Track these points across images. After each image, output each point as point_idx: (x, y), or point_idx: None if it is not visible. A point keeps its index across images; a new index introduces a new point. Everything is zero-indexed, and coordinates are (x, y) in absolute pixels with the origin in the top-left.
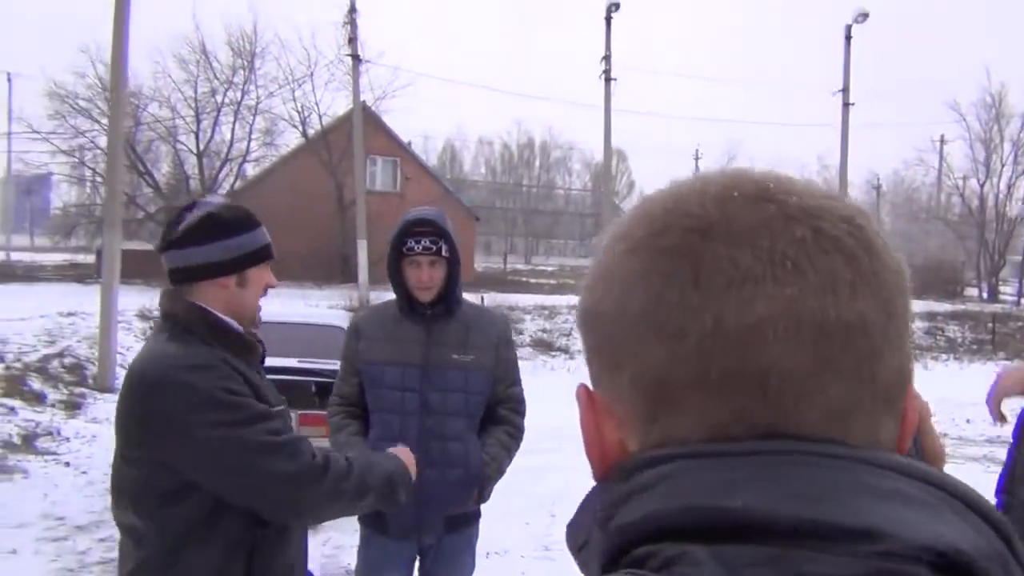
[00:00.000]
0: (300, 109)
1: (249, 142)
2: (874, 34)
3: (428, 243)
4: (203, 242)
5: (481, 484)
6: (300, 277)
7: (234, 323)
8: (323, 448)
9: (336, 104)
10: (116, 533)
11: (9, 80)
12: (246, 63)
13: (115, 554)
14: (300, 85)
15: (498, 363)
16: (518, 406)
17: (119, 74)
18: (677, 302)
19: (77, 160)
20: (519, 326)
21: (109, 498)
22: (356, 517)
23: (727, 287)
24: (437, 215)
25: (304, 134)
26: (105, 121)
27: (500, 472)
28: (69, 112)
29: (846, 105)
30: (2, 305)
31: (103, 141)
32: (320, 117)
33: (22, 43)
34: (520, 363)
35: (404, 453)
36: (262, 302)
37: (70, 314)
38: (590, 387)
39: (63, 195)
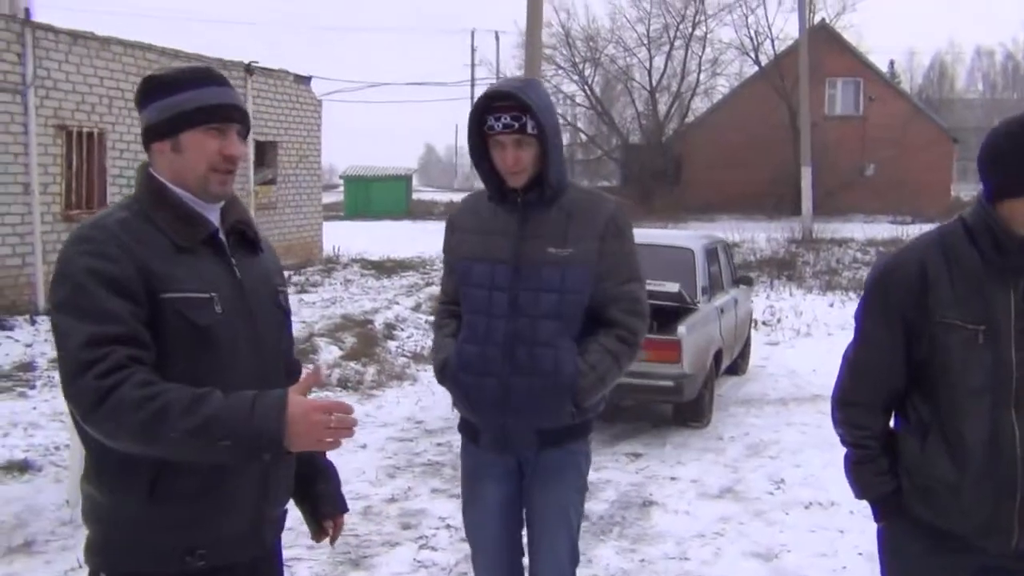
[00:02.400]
0: (752, 35)
1: (699, 74)
2: None
3: (509, 120)
4: (142, 105)
5: (576, 395)
6: (751, 209)
7: (181, 192)
8: (138, 377)
9: (789, 26)
10: (455, 438)
11: (497, 38)
12: None
13: (443, 457)
14: (753, 11)
15: (603, 256)
16: (634, 305)
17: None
18: None
19: None
20: None
21: None
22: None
23: None
24: (520, 86)
25: (757, 61)
26: (569, 68)
27: (602, 382)
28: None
29: None
30: None
31: (566, 87)
32: (772, 42)
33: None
34: None
35: (297, 400)
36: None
37: None
38: None
39: None
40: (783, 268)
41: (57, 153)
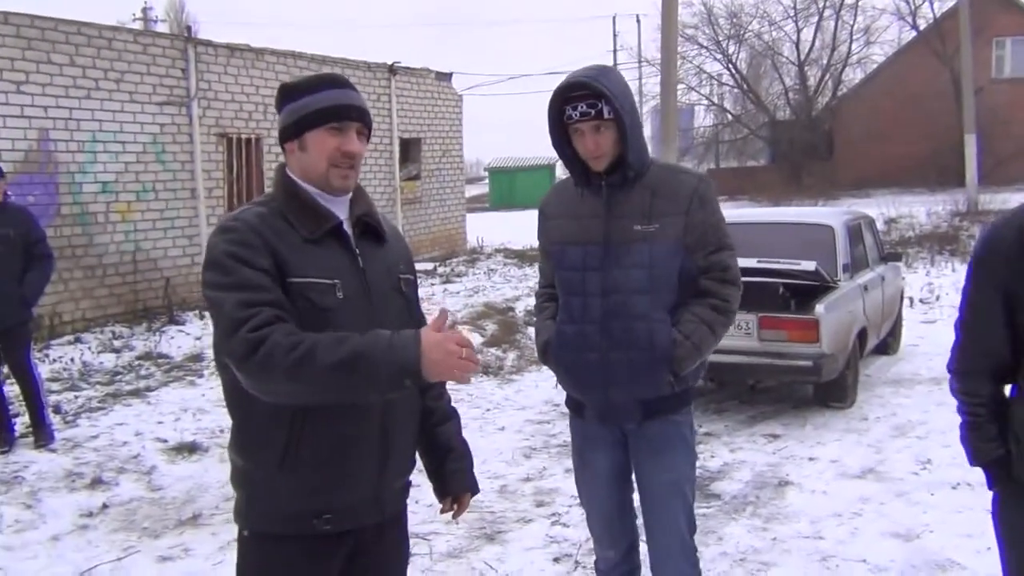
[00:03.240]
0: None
1: (850, 43)
2: None
3: (585, 107)
4: (278, 110)
5: (673, 365)
6: (911, 182)
7: (310, 188)
8: (284, 327)
9: None
10: None
11: (638, 21)
12: None
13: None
14: None
15: (689, 229)
16: (724, 274)
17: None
18: None
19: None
20: None
21: None
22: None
23: None
24: (592, 74)
25: (914, 26)
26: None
27: (697, 350)
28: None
29: None
30: None
31: (709, 66)
32: (932, 3)
33: None
34: None
35: (430, 334)
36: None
37: None
38: None
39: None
40: (944, 243)
41: (219, 160)
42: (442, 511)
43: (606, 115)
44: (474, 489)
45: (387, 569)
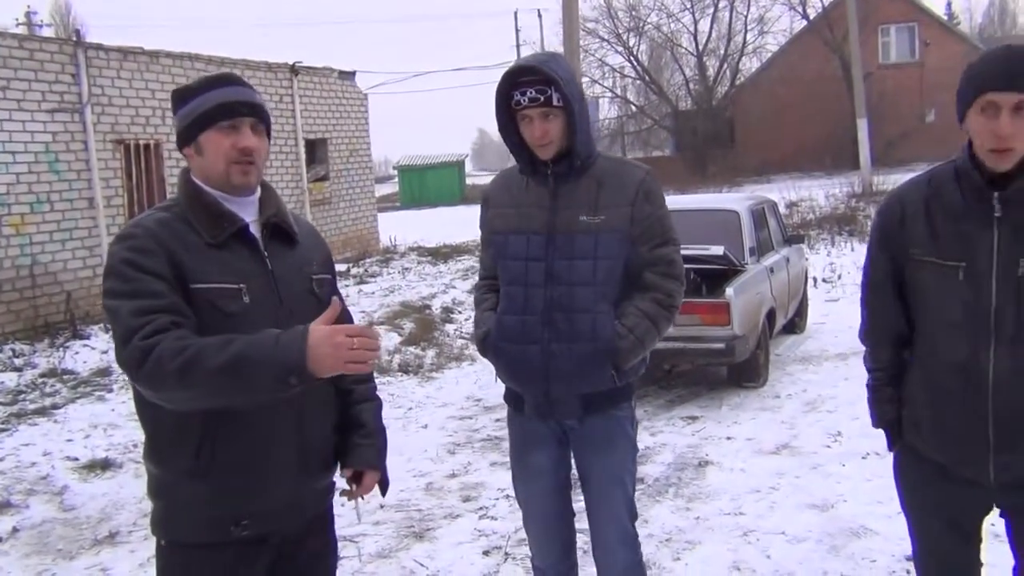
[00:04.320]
0: None
1: (745, 33)
2: None
3: (534, 93)
4: (174, 115)
5: (615, 358)
6: (809, 166)
7: (214, 191)
8: (176, 333)
9: None
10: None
11: (539, 16)
12: None
13: (501, 432)
14: None
15: (635, 221)
16: (668, 268)
17: None
18: None
19: (590, 80)
20: None
21: None
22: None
23: None
24: (543, 59)
25: (804, 15)
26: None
27: (641, 345)
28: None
29: None
30: None
31: (611, 59)
32: None
33: None
34: None
35: (319, 328)
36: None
37: None
38: None
39: None
40: (843, 223)
41: (117, 167)
42: (340, 493)
43: (555, 102)
44: (380, 469)
45: (314, 573)
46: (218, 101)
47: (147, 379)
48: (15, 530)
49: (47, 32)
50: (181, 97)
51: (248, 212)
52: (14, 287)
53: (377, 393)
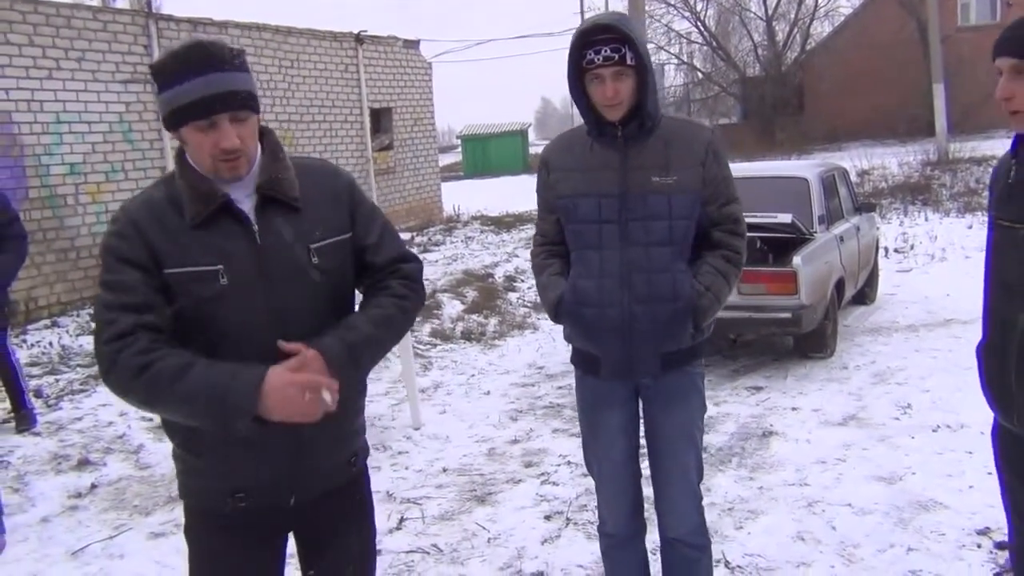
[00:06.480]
0: None
1: None
2: None
3: (609, 52)
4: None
5: (695, 316)
6: (881, 134)
7: (201, 170)
8: (137, 346)
9: None
10: (573, 381)
11: None
12: None
13: (563, 400)
14: None
15: (706, 183)
16: (735, 226)
17: None
18: None
19: (655, 46)
20: None
21: None
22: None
23: None
24: (617, 18)
25: None
26: (680, 4)
27: (717, 301)
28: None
29: None
30: None
31: (678, 24)
32: None
33: None
34: None
35: (278, 374)
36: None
37: None
38: None
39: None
40: (917, 193)
41: None
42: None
43: (628, 61)
44: (327, 353)
45: (344, 535)
46: (191, 99)
47: (113, 387)
48: (94, 486)
49: (121, 4)
50: (158, 79)
51: (239, 186)
52: (91, 254)
53: (408, 291)
